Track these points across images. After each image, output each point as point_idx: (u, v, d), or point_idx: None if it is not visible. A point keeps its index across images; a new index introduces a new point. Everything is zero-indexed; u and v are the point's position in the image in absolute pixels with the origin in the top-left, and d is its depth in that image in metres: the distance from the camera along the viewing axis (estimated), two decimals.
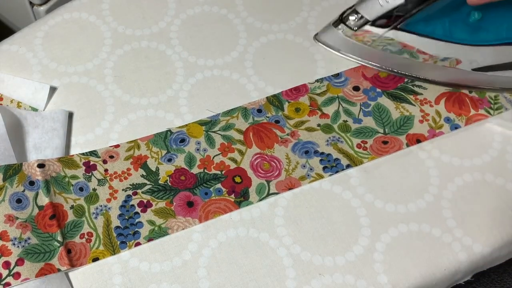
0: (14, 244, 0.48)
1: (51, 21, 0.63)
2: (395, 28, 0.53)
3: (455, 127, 0.57)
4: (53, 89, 0.58)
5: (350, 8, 0.56)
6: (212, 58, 0.61)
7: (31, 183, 0.51)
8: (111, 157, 0.54)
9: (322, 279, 0.49)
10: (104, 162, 0.54)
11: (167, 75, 0.60)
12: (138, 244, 0.50)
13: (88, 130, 0.56)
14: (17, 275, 0.47)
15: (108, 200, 0.52)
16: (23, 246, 0.48)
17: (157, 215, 0.51)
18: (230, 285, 0.49)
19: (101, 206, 0.51)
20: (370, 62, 0.58)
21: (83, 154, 0.54)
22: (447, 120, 0.58)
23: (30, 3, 0.85)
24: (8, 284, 0.46)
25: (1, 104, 0.56)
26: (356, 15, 0.54)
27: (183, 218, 0.51)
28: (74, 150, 0.55)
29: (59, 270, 0.48)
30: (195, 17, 0.64)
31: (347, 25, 0.55)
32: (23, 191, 0.51)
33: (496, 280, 0.95)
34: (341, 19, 0.56)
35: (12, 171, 0.51)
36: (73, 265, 0.48)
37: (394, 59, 0.56)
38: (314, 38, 0.60)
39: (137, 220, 0.51)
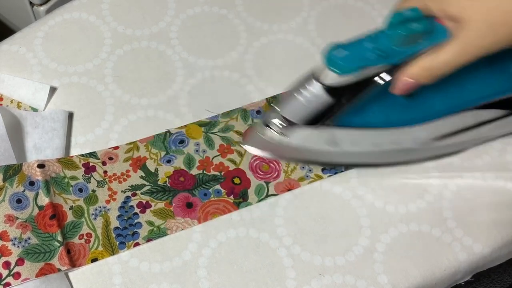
0: (14, 244, 0.48)
1: (51, 21, 0.63)
2: (327, 125, 0.48)
3: None
4: (53, 89, 0.58)
5: (271, 111, 0.49)
6: (212, 58, 0.61)
7: (31, 183, 0.51)
8: (110, 158, 0.54)
9: (322, 279, 0.49)
10: (104, 163, 0.54)
11: (167, 75, 0.60)
12: (137, 244, 0.50)
13: (88, 130, 0.56)
14: (17, 275, 0.47)
15: (107, 202, 0.52)
16: (23, 246, 0.48)
17: (156, 215, 0.51)
18: (230, 285, 0.49)
19: (100, 207, 0.51)
20: (310, 160, 0.53)
21: (82, 155, 0.54)
22: None
23: (30, 3, 0.85)
24: (8, 284, 0.46)
25: (1, 104, 0.56)
26: (281, 119, 0.48)
27: (182, 219, 0.51)
28: (74, 150, 0.55)
29: (59, 270, 0.48)
30: (195, 17, 0.64)
31: (275, 131, 0.48)
32: (23, 191, 0.51)
33: (496, 280, 0.95)
34: (267, 125, 0.49)
35: (12, 171, 0.51)
36: (73, 265, 0.48)
37: (332, 155, 0.51)
38: (240, 144, 0.54)
39: (136, 221, 0.51)
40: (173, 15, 0.64)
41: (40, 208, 0.50)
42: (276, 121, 0.48)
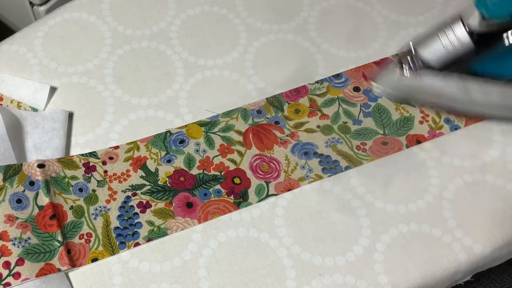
0: (14, 244, 0.48)
1: (51, 21, 0.63)
2: (462, 71, 0.48)
3: (455, 128, 0.57)
4: (53, 89, 0.58)
5: (408, 50, 0.49)
6: (212, 58, 0.61)
7: (31, 183, 0.51)
8: (111, 158, 0.54)
9: (322, 279, 0.49)
10: (104, 163, 0.54)
11: (167, 75, 0.60)
12: (137, 244, 0.50)
13: (88, 130, 0.56)
14: (17, 275, 0.47)
15: (108, 201, 0.52)
16: (23, 246, 0.48)
17: (156, 215, 0.51)
18: (230, 285, 0.49)
19: (101, 207, 0.51)
20: (436, 104, 0.53)
21: (82, 155, 0.54)
22: (447, 121, 0.58)
23: (30, 3, 0.85)
24: (8, 284, 0.46)
25: (1, 104, 0.56)
26: (417, 60, 0.48)
27: (182, 219, 0.51)
28: (74, 150, 0.55)
29: (59, 270, 0.48)
30: (195, 17, 0.64)
31: (408, 71, 0.48)
32: (23, 191, 0.51)
33: (496, 280, 0.94)
34: (402, 64, 0.49)
35: (12, 171, 0.51)
36: (73, 265, 0.48)
37: (460, 103, 0.50)
38: (371, 83, 0.55)
39: (136, 221, 0.51)
40: (173, 15, 0.64)
41: (40, 208, 0.50)
42: (412, 61, 0.48)
